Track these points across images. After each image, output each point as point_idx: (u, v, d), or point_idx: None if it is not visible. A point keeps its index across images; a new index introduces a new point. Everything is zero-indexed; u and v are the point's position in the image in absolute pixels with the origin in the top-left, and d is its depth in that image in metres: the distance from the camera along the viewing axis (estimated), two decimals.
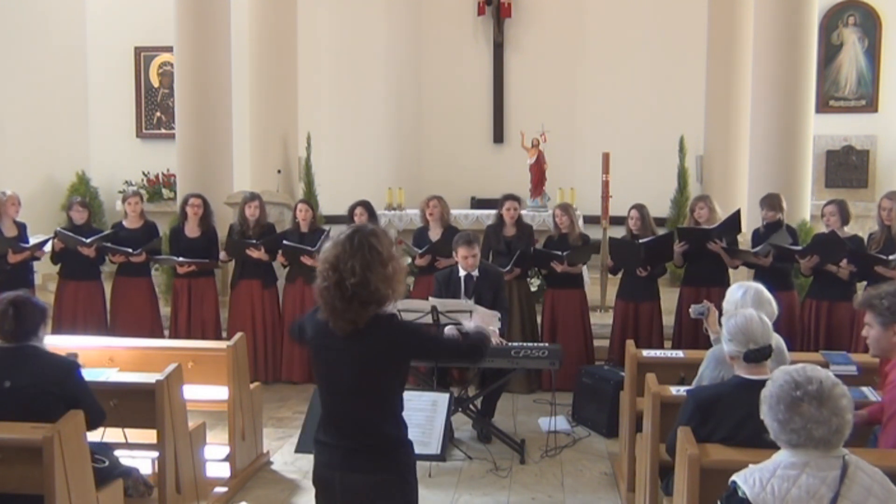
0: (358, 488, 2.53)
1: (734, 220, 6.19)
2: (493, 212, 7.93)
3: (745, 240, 6.69)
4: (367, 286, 2.43)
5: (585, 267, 6.88)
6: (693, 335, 6.21)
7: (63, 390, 3.41)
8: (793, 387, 2.16)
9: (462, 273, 5.71)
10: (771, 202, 6.21)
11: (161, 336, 6.70)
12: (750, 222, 7.29)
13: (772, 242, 5.96)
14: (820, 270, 5.89)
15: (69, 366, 3.55)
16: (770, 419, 2.18)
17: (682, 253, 6.31)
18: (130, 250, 6.54)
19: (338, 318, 2.47)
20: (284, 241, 6.65)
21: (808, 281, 6.18)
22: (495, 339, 5.36)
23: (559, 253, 6.44)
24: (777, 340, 3.42)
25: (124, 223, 6.85)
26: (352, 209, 6.77)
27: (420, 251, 6.59)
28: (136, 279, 6.76)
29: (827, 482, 2.08)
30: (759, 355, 3.08)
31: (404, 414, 2.66)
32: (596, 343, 6.76)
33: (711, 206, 6.35)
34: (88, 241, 6.50)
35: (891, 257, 5.54)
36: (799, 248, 5.91)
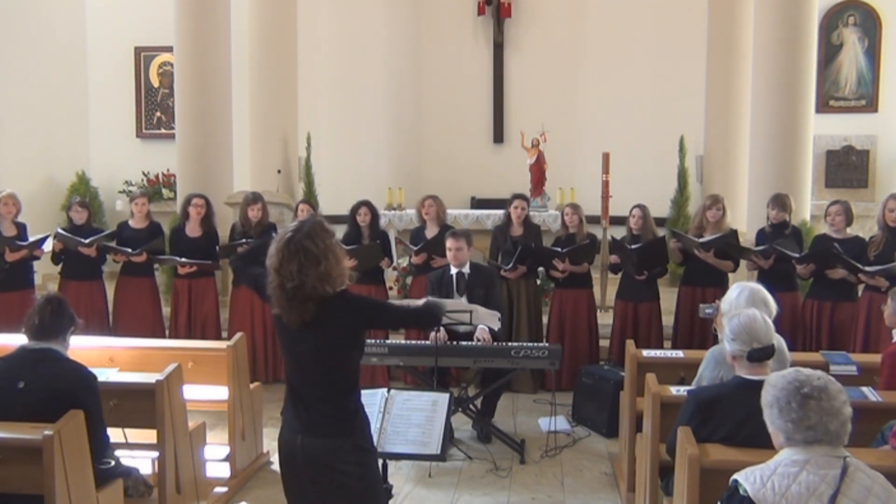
0: (318, 452, 2.72)
1: (729, 240, 6.14)
2: (493, 212, 7.94)
3: (748, 239, 6.68)
4: (304, 287, 2.63)
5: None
6: (692, 335, 6.21)
7: (74, 400, 3.38)
8: (798, 386, 2.19)
9: (454, 271, 5.72)
10: (780, 202, 6.18)
11: (162, 336, 6.69)
12: (751, 223, 7.30)
13: (775, 245, 5.95)
14: (820, 272, 5.90)
15: (86, 377, 3.52)
16: (783, 421, 2.19)
17: (681, 251, 6.30)
18: (130, 250, 6.54)
19: (286, 314, 2.70)
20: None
21: (809, 281, 6.18)
22: (486, 336, 5.36)
23: (558, 249, 6.44)
24: (778, 340, 3.43)
25: (130, 223, 6.85)
26: (354, 209, 6.77)
27: (415, 249, 6.60)
28: (139, 279, 6.75)
29: (827, 480, 2.10)
30: (762, 354, 3.09)
31: (406, 413, 2.70)
32: None
33: (724, 208, 6.27)
34: (87, 241, 6.49)
35: (867, 268, 5.57)
36: (797, 255, 5.91)
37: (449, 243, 5.68)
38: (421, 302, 3.07)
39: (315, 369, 2.75)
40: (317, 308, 2.66)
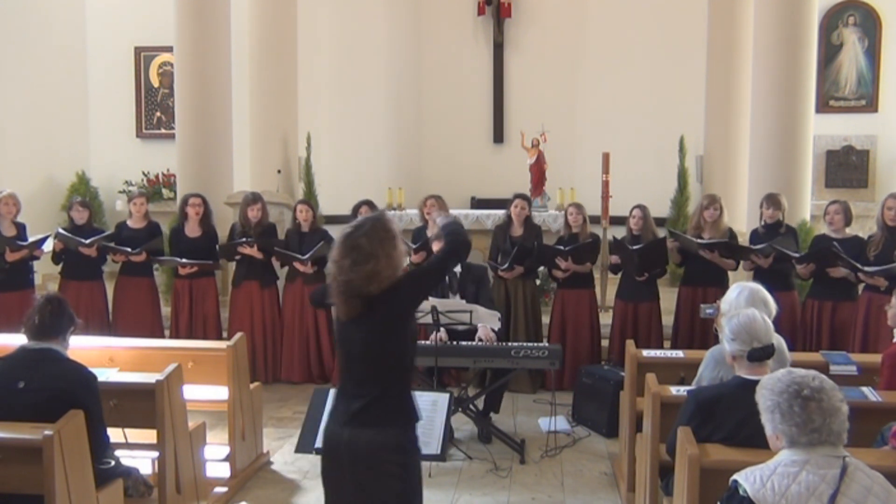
0: (362, 442, 2.69)
1: (729, 244, 6.15)
2: (493, 212, 7.93)
3: (744, 239, 6.68)
4: (351, 284, 2.67)
5: None
6: (693, 335, 6.21)
7: (74, 400, 3.38)
8: (797, 389, 2.19)
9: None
10: (774, 201, 6.19)
11: (161, 336, 6.70)
12: (751, 223, 7.29)
13: (774, 245, 5.95)
14: (820, 272, 5.90)
15: (86, 377, 3.52)
16: (786, 426, 2.19)
17: (680, 252, 6.31)
18: (129, 249, 6.54)
19: (337, 306, 2.75)
20: (276, 248, 6.67)
21: (809, 281, 6.17)
22: (488, 336, 5.36)
23: (561, 248, 6.44)
24: (778, 340, 3.43)
25: (128, 223, 6.86)
26: (356, 208, 6.77)
27: (414, 247, 6.60)
28: (138, 279, 6.76)
29: (827, 479, 2.10)
30: (762, 354, 3.09)
31: None
32: None
33: (721, 207, 6.30)
34: (88, 241, 6.50)
35: (867, 269, 5.57)
36: (797, 255, 5.91)
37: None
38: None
39: (364, 361, 2.74)
40: (364, 304, 2.68)
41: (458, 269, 5.71)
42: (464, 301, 5.39)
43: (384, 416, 2.71)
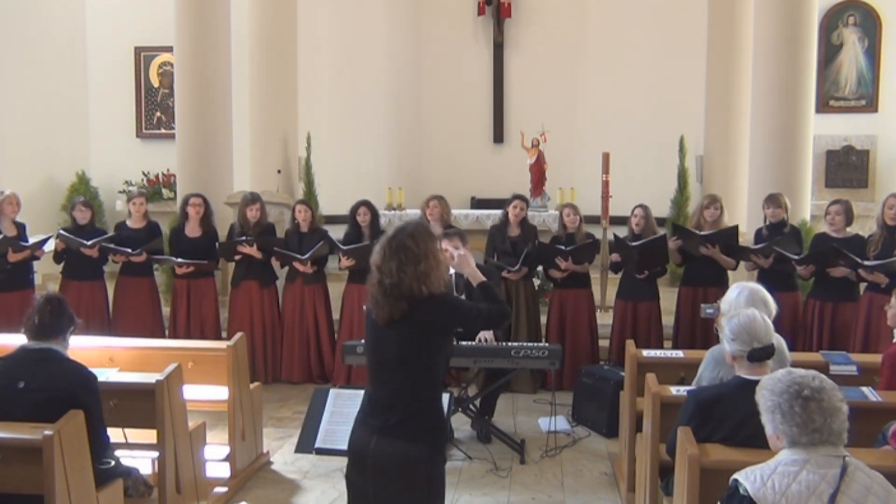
0: (390, 453, 2.69)
1: (730, 234, 6.16)
2: (493, 212, 7.93)
3: (746, 239, 6.68)
4: (401, 285, 2.68)
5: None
6: (693, 335, 6.21)
7: (74, 400, 3.38)
8: (798, 389, 2.20)
9: (452, 272, 5.70)
10: (776, 201, 6.19)
11: (162, 336, 6.70)
12: (751, 223, 7.29)
13: (775, 245, 5.95)
14: (821, 272, 5.89)
15: (86, 377, 3.51)
16: (787, 426, 2.19)
17: (680, 252, 6.31)
18: (130, 250, 6.54)
19: (378, 310, 2.74)
20: (275, 249, 6.67)
21: (810, 281, 6.17)
22: (489, 335, 5.37)
23: (562, 247, 6.44)
24: (778, 340, 3.43)
25: (128, 223, 6.86)
26: (354, 209, 6.77)
27: None
28: (138, 279, 6.76)
29: (827, 479, 2.10)
30: (762, 354, 3.09)
31: None
32: None
33: (722, 207, 6.31)
34: (89, 243, 6.50)
35: (867, 263, 5.56)
36: (797, 256, 5.90)
37: (444, 244, 5.66)
38: (480, 278, 3.00)
39: (397, 369, 2.73)
40: (410, 306, 2.68)
41: None
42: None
43: (416, 430, 2.71)
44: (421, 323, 2.70)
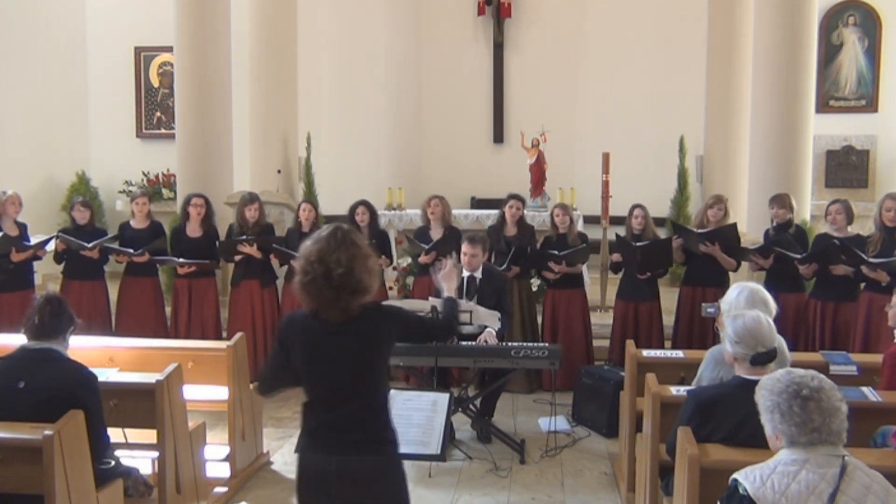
0: (357, 470, 2.59)
1: (729, 231, 6.15)
2: (493, 212, 7.92)
3: (746, 239, 6.68)
4: (353, 276, 2.56)
5: (585, 267, 6.89)
6: (693, 335, 6.21)
7: (74, 399, 3.38)
8: (797, 389, 2.20)
9: (465, 274, 5.71)
10: (781, 201, 6.18)
11: (165, 336, 6.69)
12: (750, 223, 7.30)
13: (775, 245, 5.94)
14: (822, 273, 5.89)
15: (87, 377, 3.51)
16: (786, 426, 2.19)
17: (683, 250, 6.30)
18: (132, 251, 6.54)
19: (329, 307, 2.58)
20: (275, 246, 6.67)
21: (813, 280, 6.17)
22: (492, 340, 5.38)
23: (556, 252, 6.44)
24: (779, 341, 3.42)
25: (131, 223, 6.85)
26: (353, 209, 6.77)
27: (426, 248, 6.57)
28: (142, 279, 6.75)
29: (826, 478, 2.11)
30: (766, 358, 3.08)
31: (406, 413, 2.68)
32: (596, 343, 6.76)
33: (727, 208, 6.28)
34: (90, 245, 6.49)
35: (871, 259, 5.56)
36: (798, 256, 5.90)
37: (465, 248, 5.67)
38: (435, 303, 3.07)
39: (351, 379, 2.62)
40: (358, 311, 2.61)
41: (478, 274, 5.71)
42: (476, 305, 5.38)
43: (379, 441, 2.64)
44: (371, 329, 2.63)
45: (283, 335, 2.75)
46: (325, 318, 2.60)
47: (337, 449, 2.59)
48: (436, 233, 6.73)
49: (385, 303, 2.77)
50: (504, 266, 6.40)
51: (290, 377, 2.75)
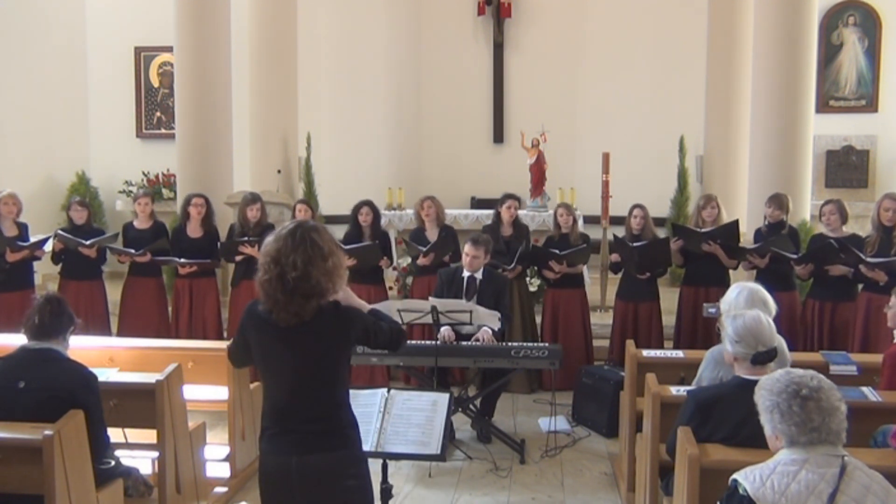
0: (317, 468, 2.57)
1: (731, 229, 6.17)
2: (493, 212, 7.93)
3: (746, 239, 6.68)
4: (309, 280, 2.48)
5: (585, 267, 6.89)
6: (694, 335, 6.21)
7: (74, 399, 3.38)
8: (796, 388, 2.20)
9: (466, 274, 5.72)
10: (778, 202, 6.18)
11: (167, 336, 6.69)
12: (750, 223, 7.29)
13: (771, 245, 5.95)
14: (819, 272, 5.89)
15: (87, 377, 3.51)
16: (786, 426, 2.20)
17: (682, 252, 6.31)
18: (133, 251, 6.54)
19: (281, 311, 2.52)
20: None
21: (810, 281, 6.17)
22: (488, 338, 5.38)
23: (557, 252, 6.44)
24: (779, 341, 3.42)
25: (134, 223, 6.86)
26: (356, 209, 6.76)
27: (424, 250, 6.57)
28: (146, 279, 6.75)
29: (826, 478, 2.11)
30: (766, 358, 3.09)
31: (406, 413, 2.67)
32: (596, 343, 6.76)
33: (719, 206, 6.32)
34: (88, 242, 6.50)
35: (869, 259, 5.56)
36: (795, 256, 5.91)
37: (468, 249, 5.68)
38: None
39: (309, 378, 2.59)
40: (314, 312, 2.54)
41: (479, 275, 5.71)
42: (474, 305, 5.38)
43: (340, 436, 2.61)
44: (329, 329, 2.56)
45: (243, 325, 2.71)
46: (277, 319, 2.55)
47: (295, 449, 2.58)
48: (431, 234, 6.73)
49: (344, 304, 2.66)
50: (511, 266, 6.41)
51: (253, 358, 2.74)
